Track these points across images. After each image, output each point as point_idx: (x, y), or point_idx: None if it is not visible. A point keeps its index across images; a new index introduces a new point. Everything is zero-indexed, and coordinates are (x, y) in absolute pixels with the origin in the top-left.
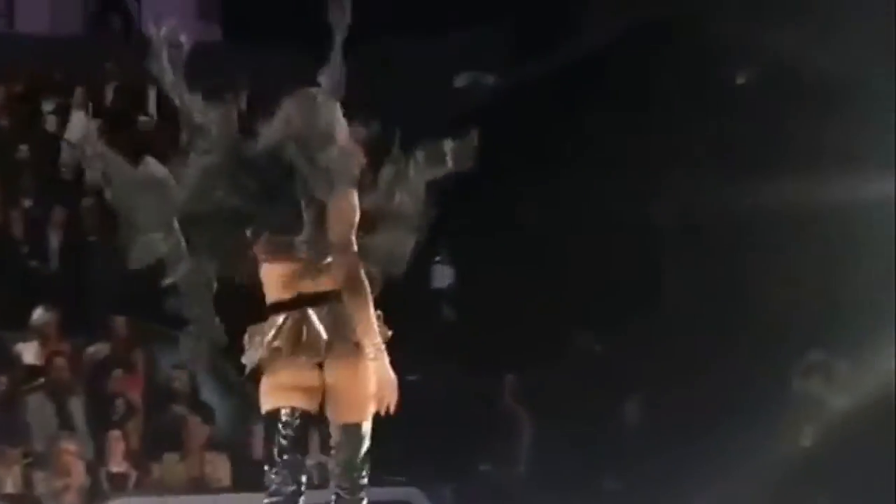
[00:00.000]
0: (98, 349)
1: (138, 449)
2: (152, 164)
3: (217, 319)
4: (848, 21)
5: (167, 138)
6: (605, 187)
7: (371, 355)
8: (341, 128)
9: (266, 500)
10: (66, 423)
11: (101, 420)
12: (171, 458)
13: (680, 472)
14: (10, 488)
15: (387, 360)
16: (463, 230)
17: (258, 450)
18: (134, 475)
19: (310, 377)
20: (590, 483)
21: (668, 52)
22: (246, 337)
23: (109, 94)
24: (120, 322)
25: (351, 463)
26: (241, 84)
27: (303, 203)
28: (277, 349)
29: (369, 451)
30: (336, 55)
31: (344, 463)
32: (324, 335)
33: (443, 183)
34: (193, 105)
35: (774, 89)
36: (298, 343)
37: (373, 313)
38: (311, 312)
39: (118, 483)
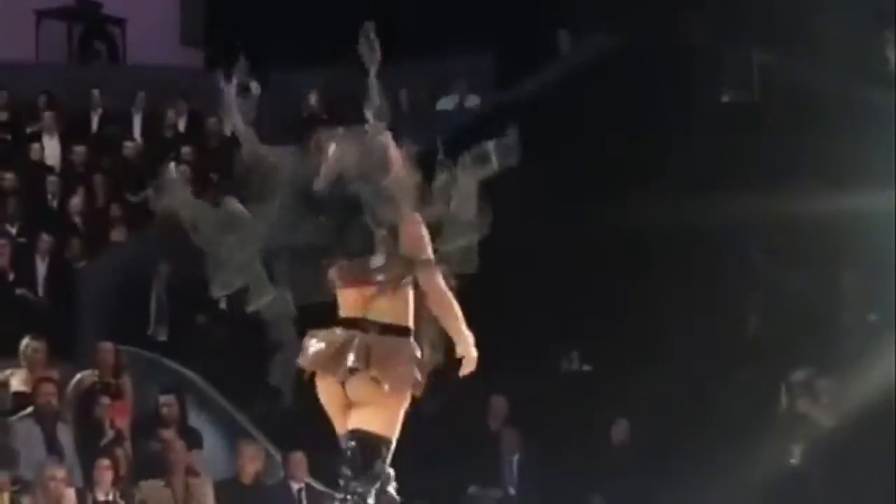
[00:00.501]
0: (85, 376)
1: (126, 476)
2: (232, 204)
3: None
4: (830, 37)
5: (152, 163)
6: (589, 206)
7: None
8: (395, 153)
9: None
10: (53, 450)
11: (88, 447)
12: (155, 483)
13: (668, 491)
14: None
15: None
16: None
17: (245, 476)
18: (121, 503)
19: (335, 393)
20: (578, 499)
21: (651, 71)
22: (304, 340)
23: (95, 121)
24: (106, 348)
25: (366, 476)
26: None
27: (373, 230)
28: (310, 360)
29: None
30: (373, 88)
31: (359, 473)
32: (350, 360)
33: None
34: (265, 151)
35: (758, 106)
36: (327, 359)
37: (462, 322)
38: (356, 335)
39: None
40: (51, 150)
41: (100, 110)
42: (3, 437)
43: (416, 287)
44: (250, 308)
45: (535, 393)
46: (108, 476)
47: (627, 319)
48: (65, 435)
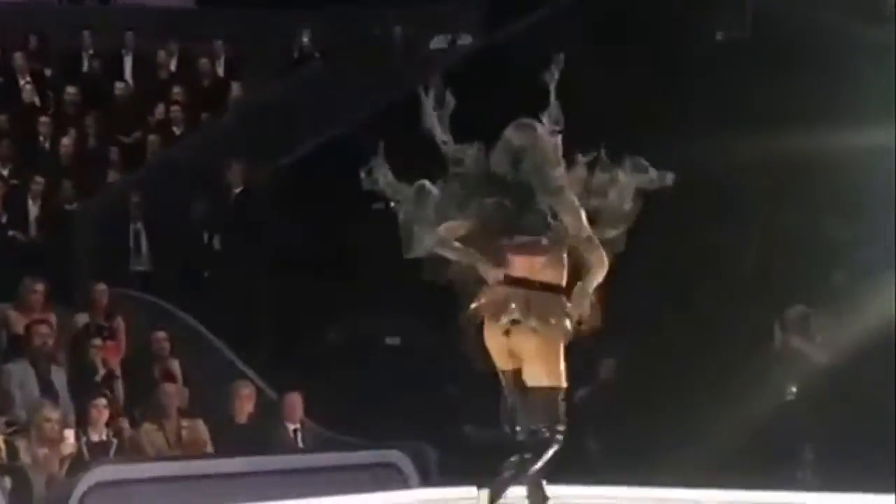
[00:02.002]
0: (78, 318)
1: (119, 416)
2: (427, 185)
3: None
4: None
5: (143, 104)
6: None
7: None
8: (558, 152)
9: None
10: (47, 393)
11: (81, 389)
12: (150, 424)
13: (662, 429)
14: None
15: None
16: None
17: (239, 414)
18: (115, 442)
19: (499, 340)
20: (571, 442)
21: (647, 8)
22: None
23: (86, 62)
24: (100, 290)
25: (545, 420)
26: (217, 49)
27: (544, 211)
28: (479, 308)
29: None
30: (553, 106)
31: (538, 419)
32: (512, 309)
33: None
34: (454, 146)
35: (752, 45)
36: (494, 307)
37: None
38: (519, 292)
39: (99, 451)
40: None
41: (90, 51)
42: None
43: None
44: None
45: None
46: (101, 416)
47: (622, 260)
48: (58, 377)
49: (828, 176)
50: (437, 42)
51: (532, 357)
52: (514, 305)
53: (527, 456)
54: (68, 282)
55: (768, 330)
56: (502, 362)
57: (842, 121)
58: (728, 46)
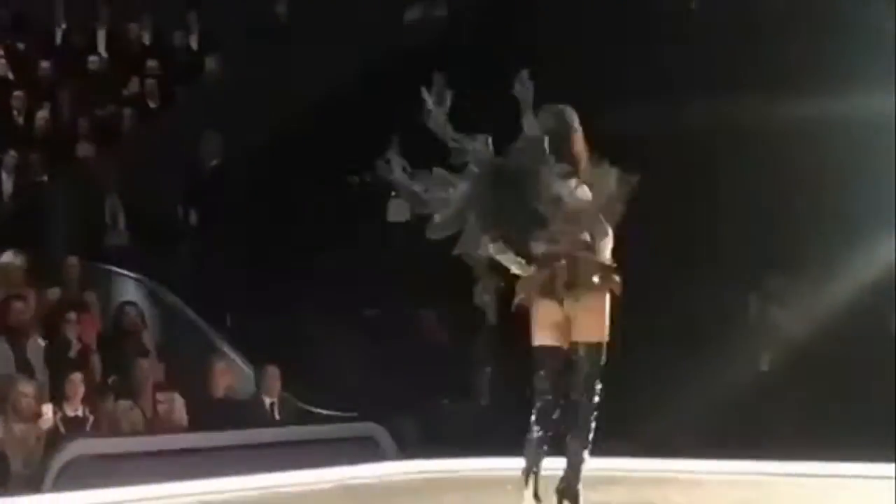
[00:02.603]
0: (50, 292)
1: (94, 391)
2: (444, 172)
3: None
4: None
5: (117, 78)
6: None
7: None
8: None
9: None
10: (23, 368)
11: (57, 364)
12: (126, 399)
13: (638, 397)
14: None
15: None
16: (419, 164)
17: (216, 389)
18: (91, 418)
19: (554, 311)
20: None
21: None
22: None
23: (59, 35)
24: (71, 263)
25: (590, 376)
26: (191, 22)
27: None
28: (531, 291)
29: None
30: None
31: (584, 376)
32: (563, 276)
33: None
34: (460, 140)
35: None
36: (546, 282)
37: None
38: (559, 263)
39: (76, 426)
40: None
41: (64, 25)
42: None
43: None
44: (456, 252)
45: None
46: (77, 392)
47: None
48: (34, 352)
49: (809, 145)
50: (412, 13)
51: (586, 314)
52: (562, 271)
53: (575, 426)
54: (44, 257)
55: (745, 301)
56: (553, 337)
57: (825, 85)
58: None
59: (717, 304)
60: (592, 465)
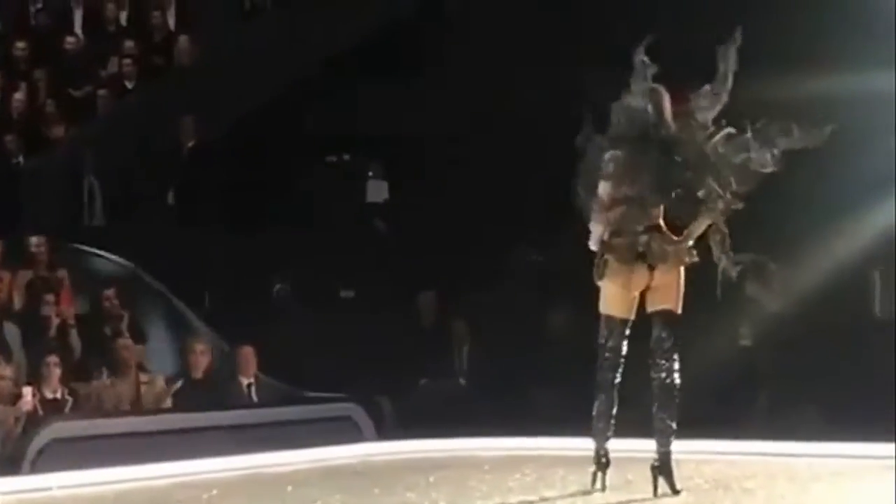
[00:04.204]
0: (28, 274)
1: (73, 373)
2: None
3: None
4: None
5: (94, 58)
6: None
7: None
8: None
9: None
10: (1, 349)
11: (34, 345)
12: (106, 380)
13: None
14: None
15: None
16: (396, 144)
17: (195, 370)
18: (70, 400)
19: (637, 282)
20: (524, 392)
21: None
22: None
23: (34, 17)
24: (38, 242)
25: (670, 345)
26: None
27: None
28: (618, 261)
29: None
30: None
31: (667, 348)
32: (655, 249)
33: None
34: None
35: None
36: (631, 253)
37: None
38: (640, 237)
39: (54, 408)
40: None
41: (39, 5)
42: None
43: None
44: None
45: (485, 284)
46: (54, 373)
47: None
48: (12, 334)
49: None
50: None
51: (666, 284)
52: (655, 245)
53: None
54: (21, 239)
55: (722, 277)
56: (622, 308)
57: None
58: None
59: (695, 281)
60: (560, 444)
